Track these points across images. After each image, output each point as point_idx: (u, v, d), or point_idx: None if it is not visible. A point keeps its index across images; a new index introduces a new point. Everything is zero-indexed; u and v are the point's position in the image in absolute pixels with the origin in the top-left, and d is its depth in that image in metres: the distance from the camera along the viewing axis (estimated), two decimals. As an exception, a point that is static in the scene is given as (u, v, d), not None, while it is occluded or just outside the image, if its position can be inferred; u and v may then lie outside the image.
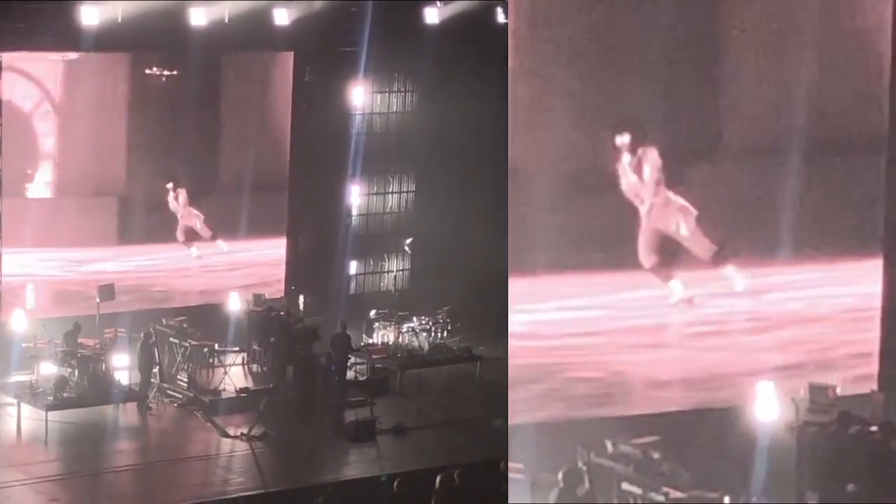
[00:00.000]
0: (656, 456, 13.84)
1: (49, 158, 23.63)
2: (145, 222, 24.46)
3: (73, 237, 23.91)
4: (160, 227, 24.77)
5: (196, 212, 25.05)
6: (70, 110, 23.60)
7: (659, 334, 17.19)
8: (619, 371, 16.93)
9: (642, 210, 17.19)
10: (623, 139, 16.97)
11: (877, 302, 17.45)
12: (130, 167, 24.20)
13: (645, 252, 17.18)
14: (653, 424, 15.23)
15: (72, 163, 23.81)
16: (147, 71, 24.20)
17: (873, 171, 17.35)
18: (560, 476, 13.43)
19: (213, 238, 25.27)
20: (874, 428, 14.35)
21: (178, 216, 24.94)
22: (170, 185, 24.70)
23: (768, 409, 14.53)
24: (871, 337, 17.49)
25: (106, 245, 24.26)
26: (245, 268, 25.76)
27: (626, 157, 17.06)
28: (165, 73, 24.37)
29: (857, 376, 17.05)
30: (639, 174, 17.12)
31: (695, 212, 17.19)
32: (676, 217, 17.25)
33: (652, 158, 17.11)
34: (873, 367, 17.36)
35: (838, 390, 15.29)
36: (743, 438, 14.62)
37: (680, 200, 17.23)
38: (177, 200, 24.82)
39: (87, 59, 23.25)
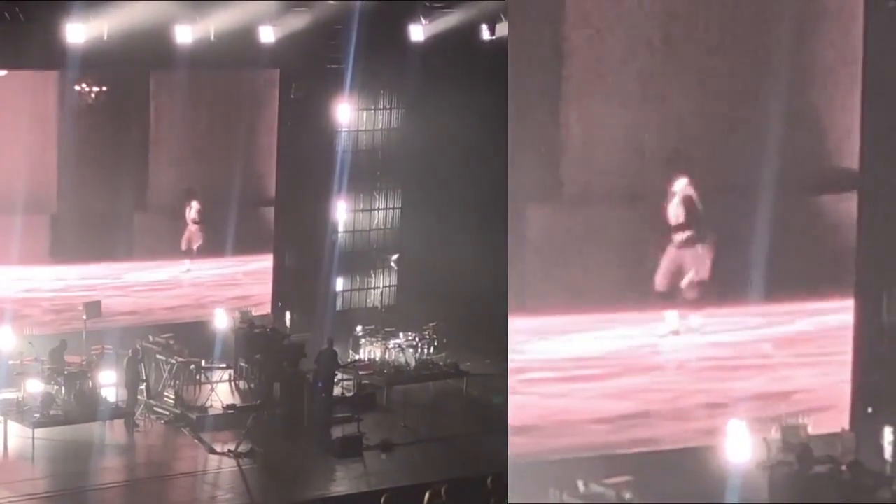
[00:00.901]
0: (628, 496, 13.95)
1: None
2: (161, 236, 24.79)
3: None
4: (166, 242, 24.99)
5: (199, 231, 25.25)
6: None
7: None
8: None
9: (678, 238, 17.46)
10: (680, 185, 17.40)
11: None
12: (111, 182, 24.19)
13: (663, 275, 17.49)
14: (625, 464, 15.36)
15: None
16: (114, 88, 24.18)
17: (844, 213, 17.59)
18: (532, 516, 13.57)
19: (190, 255, 25.36)
20: (843, 467, 14.53)
21: (189, 227, 25.16)
22: (194, 203, 24.99)
23: (741, 449, 14.69)
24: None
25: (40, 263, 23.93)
26: (232, 285, 25.89)
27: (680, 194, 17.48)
28: (154, 89, 24.45)
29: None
30: (689, 208, 17.46)
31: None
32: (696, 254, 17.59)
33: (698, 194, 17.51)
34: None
35: (810, 430, 15.47)
36: (715, 478, 14.75)
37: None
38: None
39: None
